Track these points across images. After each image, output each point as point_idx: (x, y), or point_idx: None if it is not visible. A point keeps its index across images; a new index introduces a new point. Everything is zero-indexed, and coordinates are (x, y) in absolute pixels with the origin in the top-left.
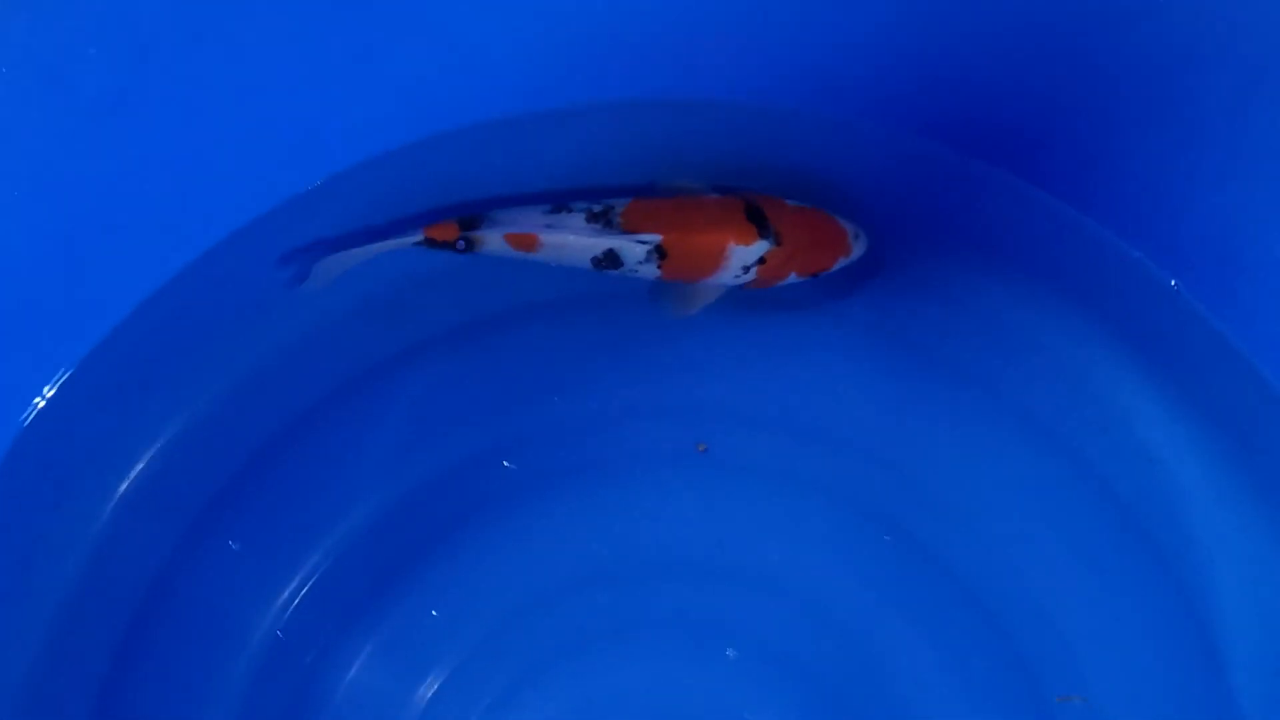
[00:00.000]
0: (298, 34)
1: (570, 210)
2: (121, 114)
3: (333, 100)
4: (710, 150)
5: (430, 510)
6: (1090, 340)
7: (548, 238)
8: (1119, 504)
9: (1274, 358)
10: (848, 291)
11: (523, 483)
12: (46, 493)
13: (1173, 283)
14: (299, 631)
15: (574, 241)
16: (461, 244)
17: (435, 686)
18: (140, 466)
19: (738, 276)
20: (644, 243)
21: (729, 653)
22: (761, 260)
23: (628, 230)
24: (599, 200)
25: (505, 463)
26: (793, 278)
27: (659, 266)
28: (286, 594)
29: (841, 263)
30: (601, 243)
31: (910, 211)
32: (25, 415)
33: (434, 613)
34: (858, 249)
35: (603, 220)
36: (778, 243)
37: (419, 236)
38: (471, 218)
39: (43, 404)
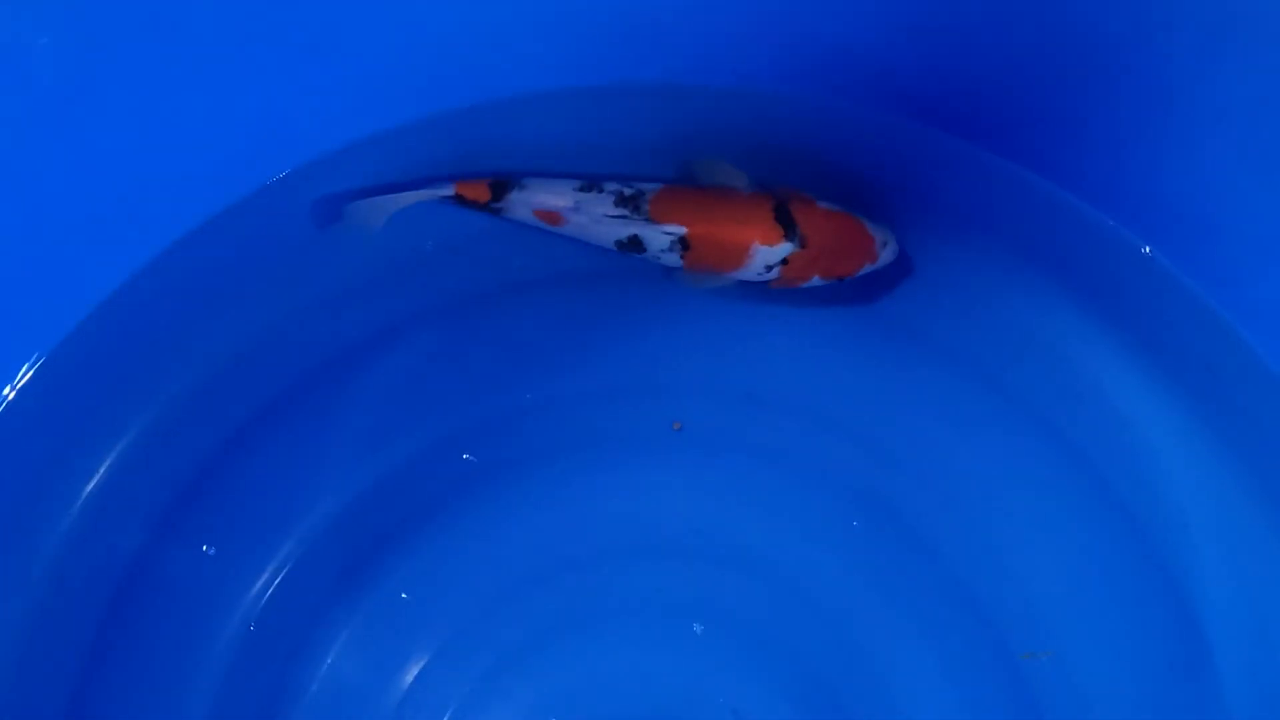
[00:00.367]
0: None
1: (601, 190)
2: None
3: (350, 72)
4: (707, 135)
5: (403, 497)
6: (1064, 309)
7: (574, 216)
8: (1094, 473)
9: (1250, 319)
10: None
11: (496, 468)
12: (12, 490)
13: (1146, 249)
14: (272, 625)
15: (600, 223)
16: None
17: (413, 674)
18: (107, 462)
19: (760, 275)
20: (669, 233)
21: (696, 628)
22: (785, 261)
23: (655, 218)
24: (631, 183)
25: (465, 455)
26: (816, 280)
27: (682, 257)
28: (258, 587)
29: (867, 268)
30: (626, 229)
31: (885, 188)
32: None
33: (404, 595)
34: (885, 256)
35: (631, 205)
36: (803, 246)
37: (450, 191)
38: (504, 181)
39: (10, 396)
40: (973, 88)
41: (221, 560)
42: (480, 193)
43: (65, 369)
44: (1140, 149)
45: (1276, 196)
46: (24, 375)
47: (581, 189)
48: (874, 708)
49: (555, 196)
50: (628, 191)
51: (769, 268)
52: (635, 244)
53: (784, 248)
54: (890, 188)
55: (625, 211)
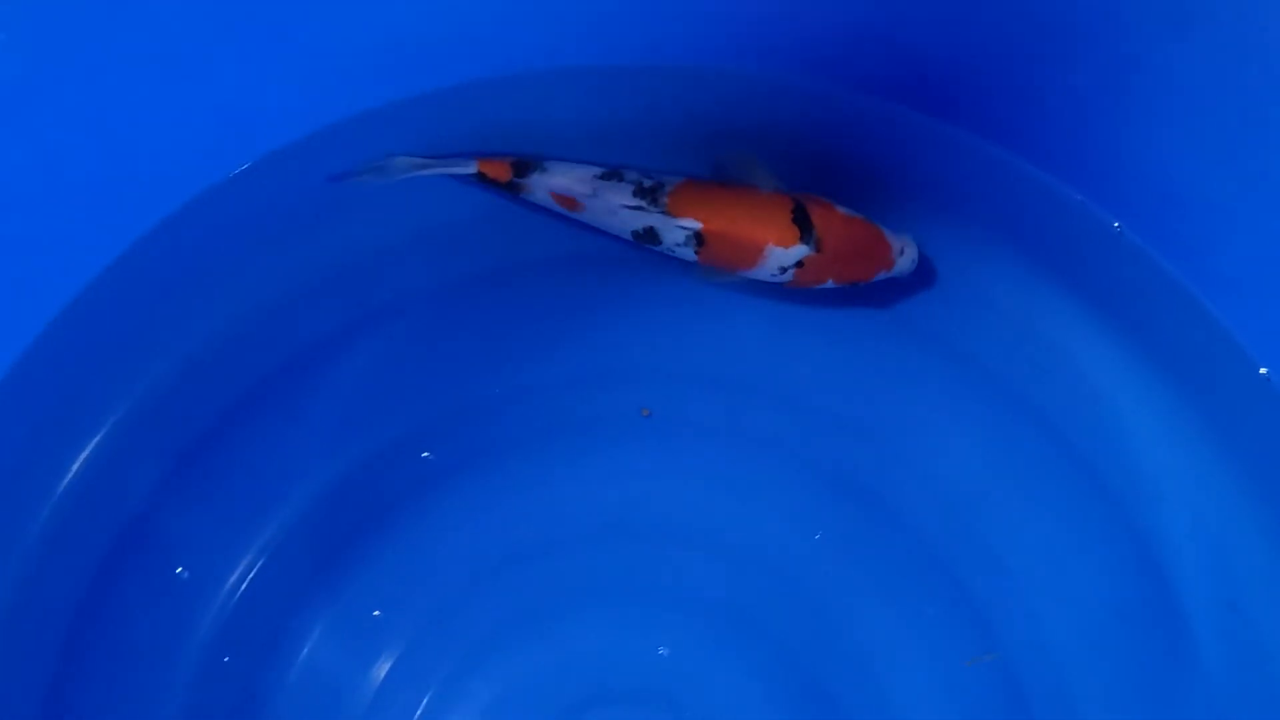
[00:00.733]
0: None
1: (622, 179)
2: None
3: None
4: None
5: (374, 490)
6: (1036, 286)
7: (593, 203)
8: (1069, 448)
9: (1218, 292)
10: None
11: (467, 458)
12: None
13: (1115, 224)
14: (247, 620)
15: (617, 212)
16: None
17: (390, 663)
18: (76, 463)
19: (774, 275)
20: (684, 228)
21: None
22: (799, 264)
23: (672, 212)
24: (652, 174)
25: (425, 454)
26: (830, 284)
27: (696, 253)
28: (231, 581)
29: (881, 275)
30: (643, 220)
31: (851, 166)
32: None
33: (376, 613)
34: (901, 265)
35: (649, 197)
36: (818, 249)
37: (472, 168)
38: (526, 162)
39: None
40: (939, 65)
41: (192, 557)
42: (502, 172)
43: (29, 373)
44: (1107, 125)
45: (1242, 170)
46: None
47: (602, 176)
48: (853, 687)
49: (575, 182)
50: (647, 183)
51: (783, 269)
52: (651, 236)
53: (799, 250)
54: (859, 166)
55: (643, 203)
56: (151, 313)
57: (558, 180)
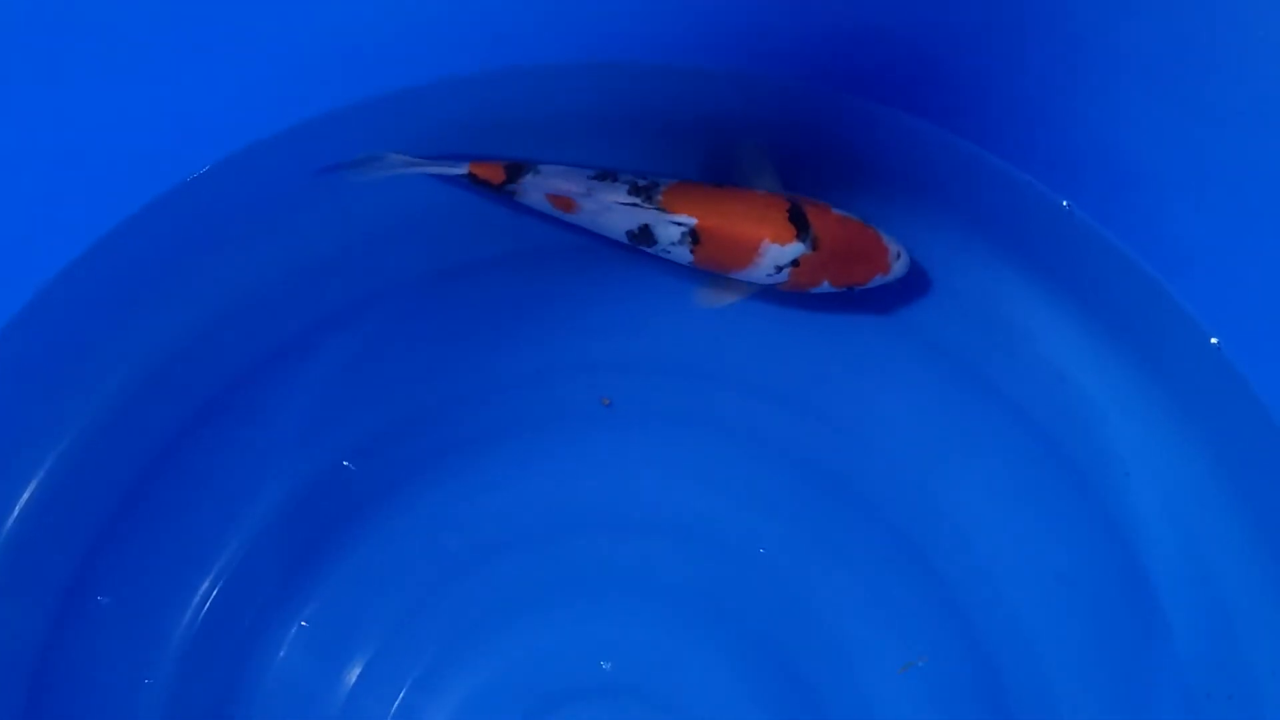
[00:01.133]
0: None
1: (616, 179)
2: None
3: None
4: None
5: (338, 492)
6: (992, 266)
7: (587, 203)
8: (1033, 426)
9: (1167, 265)
10: None
11: (433, 453)
12: None
13: (1065, 203)
14: (220, 625)
15: (611, 211)
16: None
17: (361, 666)
18: (44, 469)
19: (770, 275)
20: (679, 224)
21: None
22: (795, 263)
23: (666, 208)
24: (646, 175)
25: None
26: (826, 286)
27: (691, 251)
28: (203, 589)
29: (878, 280)
30: (637, 218)
31: (805, 154)
32: None
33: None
34: (897, 269)
35: (644, 195)
36: (814, 248)
37: (463, 170)
38: (519, 165)
39: None
40: (886, 51)
41: (162, 565)
42: (495, 174)
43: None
44: (1052, 104)
45: (1189, 146)
46: None
47: (596, 177)
48: (826, 672)
49: (569, 182)
50: (642, 182)
51: (779, 268)
52: (646, 235)
53: (795, 248)
54: (809, 152)
55: (638, 200)
56: (104, 321)
57: (552, 181)
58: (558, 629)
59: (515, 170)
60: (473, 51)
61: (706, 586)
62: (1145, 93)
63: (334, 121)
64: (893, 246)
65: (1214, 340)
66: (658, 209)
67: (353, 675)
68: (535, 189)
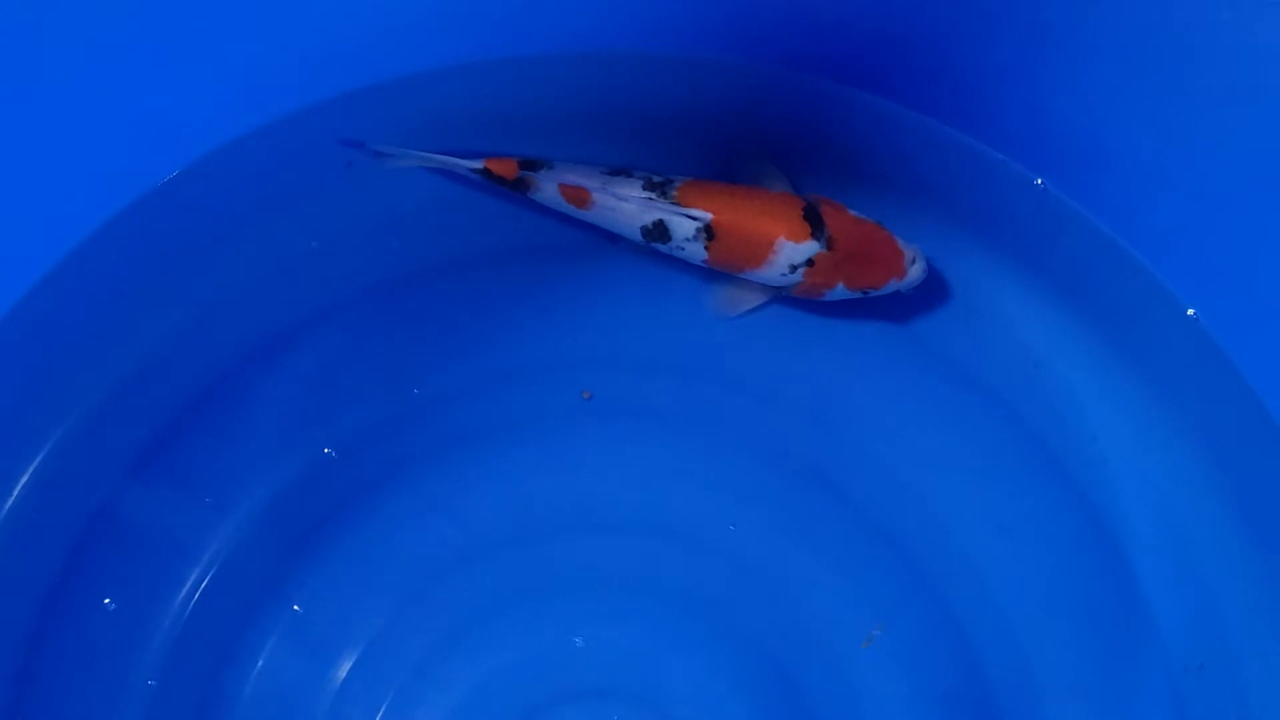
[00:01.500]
0: None
1: (630, 175)
2: None
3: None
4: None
5: (324, 491)
6: (967, 248)
7: (601, 197)
8: (1011, 413)
9: (1145, 244)
10: None
11: (417, 451)
12: None
13: (1038, 181)
14: (202, 628)
15: (625, 206)
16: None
17: (347, 668)
18: (27, 472)
19: (784, 275)
20: (694, 219)
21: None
22: (810, 262)
23: (681, 203)
24: (660, 172)
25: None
26: (841, 289)
27: (706, 248)
28: (188, 587)
29: (893, 284)
30: (652, 213)
31: (777, 139)
32: None
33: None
34: (913, 274)
35: (659, 191)
36: (829, 247)
37: (479, 165)
38: (534, 161)
39: None
40: (857, 35)
41: (143, 569)
42: (509, 169)
43: None
44: (1025, 84)
45: (1161, 120)
46: None
47: (610, 173)
48: (813, 668)
49: (584, 177)
50: (656, 179)
51: (793, 268)
52: (660, 231)
53: (809, 246)
54: (782, 136)
55: (652, 195)
56: (86, 324)
57: (566, 175)
58: (544, 630)
59: (529, 166)
60: (463, 41)
61: (693, 583)
62: (1115, 70)
63: (310, 118)
64: (908, 251)
65: (1191, 312)
66: (672, 204)
67: (340, 675)
68: (550, 183)
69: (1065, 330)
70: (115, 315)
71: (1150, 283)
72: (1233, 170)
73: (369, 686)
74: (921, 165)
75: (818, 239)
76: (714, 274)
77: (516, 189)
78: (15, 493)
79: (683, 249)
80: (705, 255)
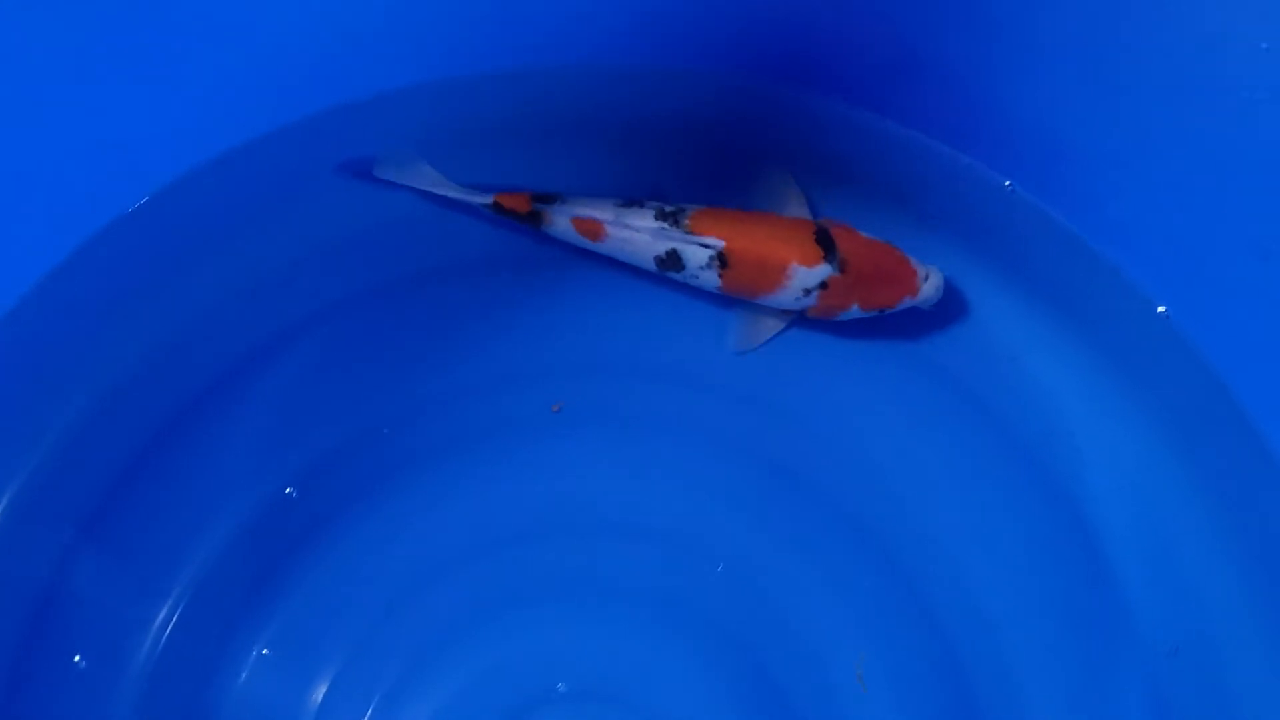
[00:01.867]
0: None
1: (642, 205)
2: None
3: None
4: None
5: (300, 506)
6: (940, 252)
7: (614, 229)
8: (984, 408)
9: (1111, 238)
10: None
11: (390, 466)
12: None
13: (1007, 183)
14: (179, 652)
15: (638, 237)
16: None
17: (329, 682)
18: (11, 489)
19: (798, 299)
20: (707, 246)
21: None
22: (823, 285)
23: (694, 232)
24: (671, 202)
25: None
26: (856, 310)
27: (719, 275)
28: (162, 615)
29: (907, 302)
30: (665, 242)
31: (747, 149)
32: None
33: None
34: (927, 292)
35: (671, 220)
36: (842, 270)
37: (489, 200)
38: (545, 195)
39: None
40: (824, 43)
41: (120, 591)
42: (521, 203)
43: None
44: (988, 87)
45: (1125, 119)
46: None
47: (622, 205)
48: (796, 668)
49: (596, 209)
50: (668, 208)
51: (807, 291)
52: (674, 260)
53: (823, 269)
54: (752, 147)
55: (665, 225)
56: (52, 355)
57: (579, 208)
58: (525, 637)
59: (541, 199)
60: (445, 57)
61: (672, 588)
62: (1078, 70)
63: (271, 143)
64: (921, 269)
65: (1161, 309)
66: (685, 232)
67: (319, 694)
68: (563, 217)
69: (1039, 327)
70: (73, 350)
71: (1119, 280)
72: (1198, 166)
73: (349, 703)
74: (893, 170)
75: (830, 262)
76: (730, 303)
77: (529, 223)
78: None
79: (697, 277)
80: (719, 283)
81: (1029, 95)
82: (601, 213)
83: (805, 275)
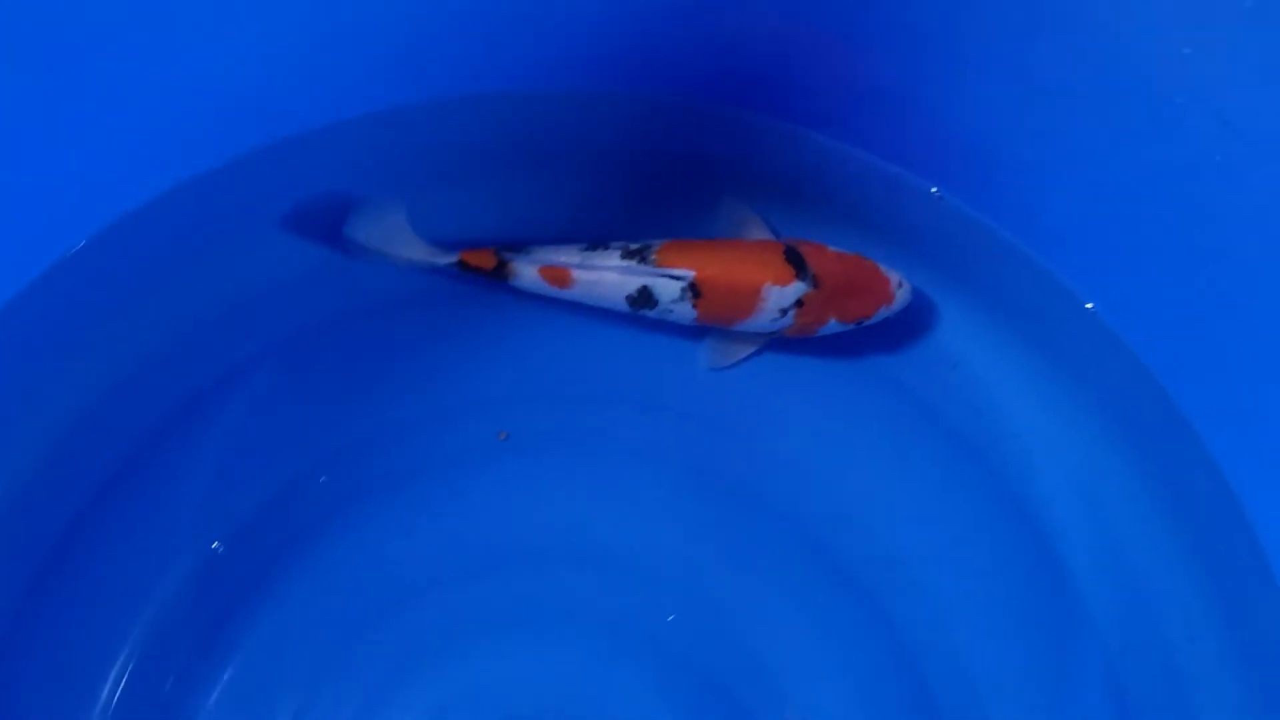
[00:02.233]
0: None
1: (607, 247)
2: None
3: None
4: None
5: (252, 545)
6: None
7: (582, 274)
8: (934, 416)
9: (1041, 242)
10: None
11: (340, 502)
12: None
13: (934, 189)
14: (138, 695)
15: (607, 278)
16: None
17: (290, 714)
18: None
19: (775, 320)
20: (677, 278)
21: None
22: (799, 303)
23: (662, 265)
24: (637, 239)
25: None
26: (834, 324)
27: (694, 306)
28: (121, 658)
29: (883, 312)
30: (635, 280)
31: (682, 167)
32: None
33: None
34: (900, 298)
35: (638, 257)
36: (815, 285)
37: (454, 258)
38: (509, 247)
39: None
40: (746, 58)
41: (76, 644)
42: (486, 259)
43: None
44: (911, 96)
45: (1047, 124)
46: None
47: (587, 248)
48: (758, 689)
49: (562, 255)
50: (634, 245)
51: (783, 311)
52: (646, 297)
53: (796, 288)
54: (682, 167)
55: (632, 262)
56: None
57: (545, 256)
58: (481, 668)
59: (506, 251)
60: (394, 86)
61: (629, 612)
62: (998, 77)
63: (202, 185)
64: (893, 276)
65: (1089, 305)
66: (654, 267)
67: None
68: (529, 268)
69: (978, 331)
70: (12, 401)
71: (1048, 279)
72: (1116, 166)
73: None
74: (826, 181)
75: (803, 279)
76: (691, 331)
77: (495, 278)
78: None
79: (671, 311)
80: (694, 314)
81: (952, 102)
82: (567, 258)
83: (780, 295)
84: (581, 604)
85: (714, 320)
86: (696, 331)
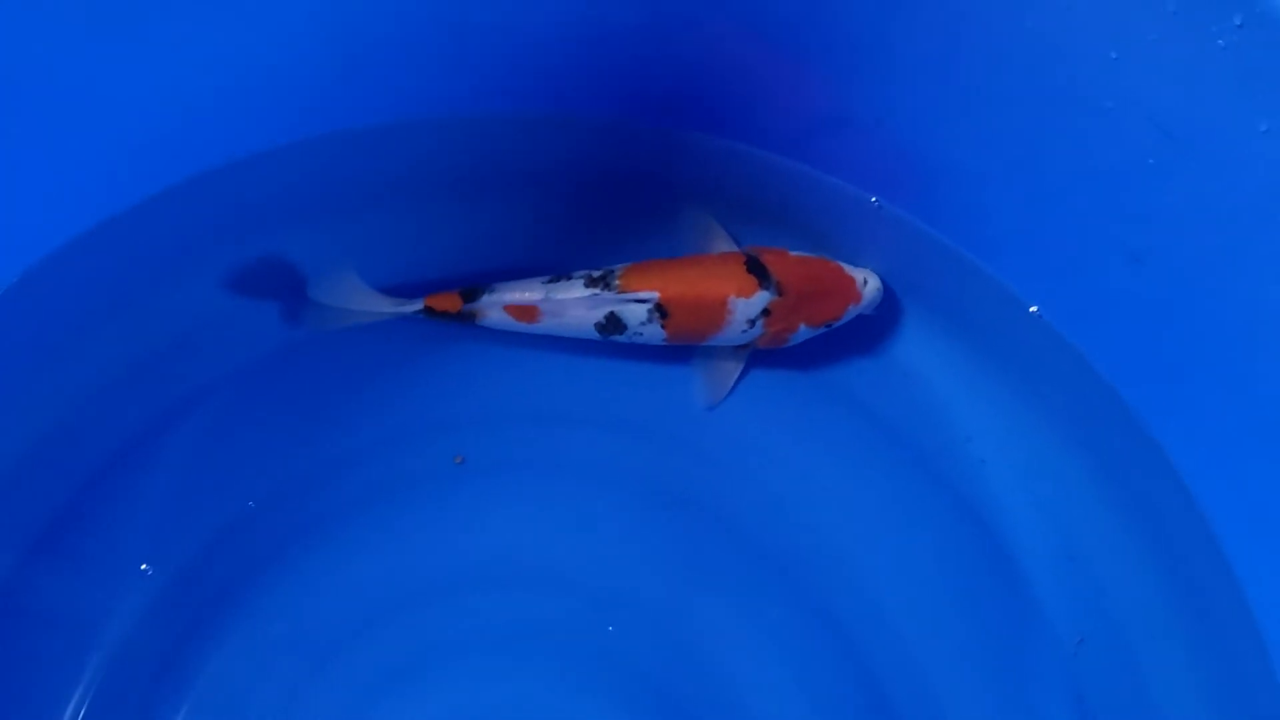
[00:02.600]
0: None
1: (570, 277)
2: None
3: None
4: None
5: (207, 576)
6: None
7: (548, 307)
8: (886, 426)
9: (983, 248)
10: None
11: (297, 529)
12: None
13: (873, 199)
14: (105, 712)
15: (574, 309)
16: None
17: None
18: None
19: (744, 332)
20: (642, 301)
21: None
22: (766, 312)
23: (626, 289)
24: (599, 266)
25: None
26: (804, 330)
27: (663, 327)
28: (76, 695)
29: (852, 311)
30: (601, 308)
31: (630, 189)
32: None
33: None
34: (869, 295)
35: (601, 284)
36: (779, 293)
37: (419, 305)
38: (473, 289)
39: None
40: (686, 80)
41: (36, 670)
42: (451, 303)
43: None
44: (848, 108)
45: (980, 131)
46: None
47: (550, 281)
48: (715, 704)
49: (526, 291)
50: (596, 273)
51: (751, 322)
52: (614, 323)
53: (761, 297)
54: (621, 188)
55: (596, 290)
56: None
57: (508, 294)
58: (443, 692)
59: (470, 295)
60: (337, 110)
61: (589, 635)
62: (934, 86)
63: (150, 210)
64: (858, 275)
65: (1033, 309)
66: (618, 293)
67: None
68: (494, 308)
69: (927, 338)
70: None
71: (992, 285)
72: (1053, 171)
73: None
74: (769, 196)
75: (766, 288)
76: (666, 355)
77: (462, 320)
78: None
79: (640, 334)
80: (664, 334)
81: (890, 111)
82: (532, 293)
83: (745, 306)
84: (539, 626)
85: (685, 338)
86: (655, 352)
